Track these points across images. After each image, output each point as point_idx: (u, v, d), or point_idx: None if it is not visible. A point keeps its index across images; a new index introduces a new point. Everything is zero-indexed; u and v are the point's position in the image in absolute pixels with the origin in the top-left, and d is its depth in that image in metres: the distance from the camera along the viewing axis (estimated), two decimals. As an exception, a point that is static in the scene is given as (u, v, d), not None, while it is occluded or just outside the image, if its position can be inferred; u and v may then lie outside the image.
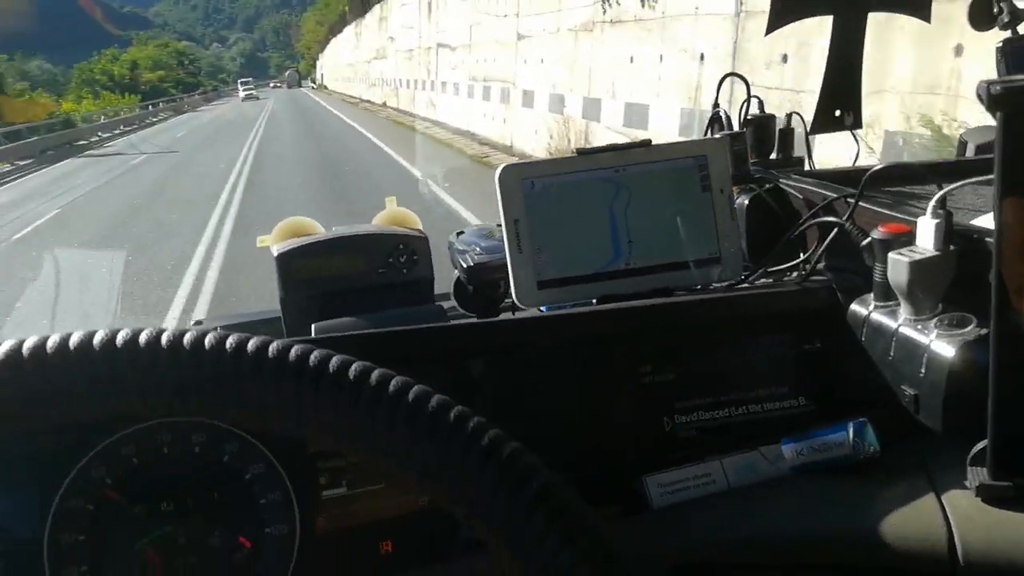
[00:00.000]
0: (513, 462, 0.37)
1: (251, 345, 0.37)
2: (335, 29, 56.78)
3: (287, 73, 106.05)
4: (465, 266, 0.95)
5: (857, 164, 1.06)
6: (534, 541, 0.36)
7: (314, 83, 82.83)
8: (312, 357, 0.37)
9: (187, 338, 0.37)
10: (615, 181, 0.84)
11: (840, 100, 1.04)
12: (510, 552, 0.36)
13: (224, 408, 0.37)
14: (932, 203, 0.68)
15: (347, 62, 48.66)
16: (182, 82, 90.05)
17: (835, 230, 0.80)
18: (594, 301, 0.84)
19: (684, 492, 0.72)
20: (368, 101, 35.89)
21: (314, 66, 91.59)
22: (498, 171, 0.83)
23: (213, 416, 0.38)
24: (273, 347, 0.37)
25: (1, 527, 0.65)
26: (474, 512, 0.37)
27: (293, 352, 0.37)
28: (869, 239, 0.74)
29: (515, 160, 0.80)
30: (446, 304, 1.00)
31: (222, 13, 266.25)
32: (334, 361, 0.37)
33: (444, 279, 1.03)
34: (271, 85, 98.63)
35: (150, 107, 50.39)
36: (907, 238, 0.70)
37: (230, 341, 0.37)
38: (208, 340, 0.37)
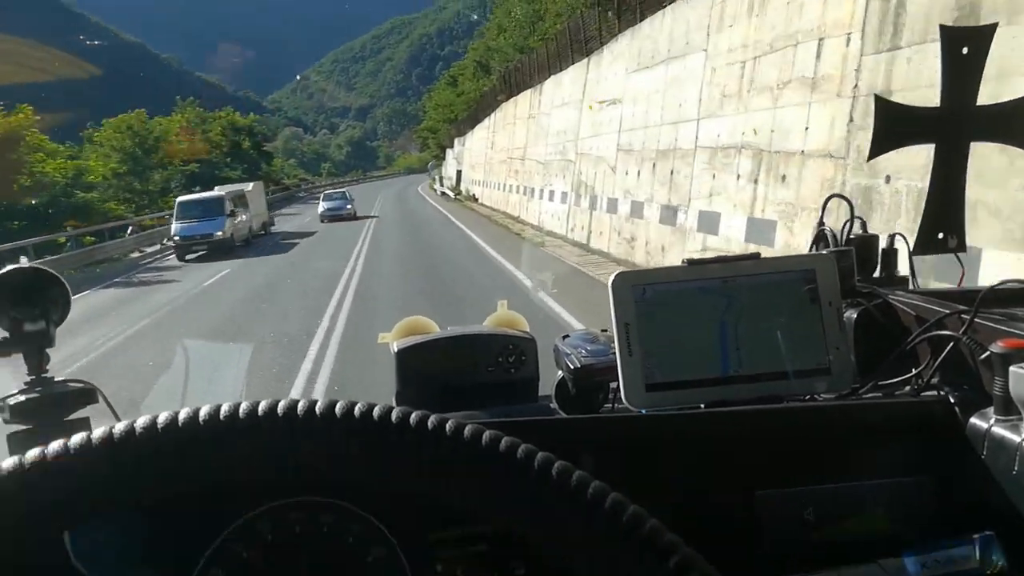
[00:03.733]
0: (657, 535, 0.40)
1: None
2: (507, 88, 28.71)
3: (429, 164, 68.61)
4: (571, 367, 0.98)
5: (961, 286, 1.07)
6: None
7: (443, 184, 47.06)
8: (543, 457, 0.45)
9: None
10: (724, 292, 0.88)
11: (943, 223, 1.06)
12: None
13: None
14: None
15: (560, 151, 19.45)
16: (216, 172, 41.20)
17: (951, 344, 0.81)
18: (702, 406, 0.86)
19: None
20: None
21: (442, 156, 57.53)
22: (611, 278, 0.88)
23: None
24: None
25: None
26: None
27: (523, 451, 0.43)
28: (987, 353, 0.75)
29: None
30: (551, 405, 1.03)
31: (337, 102, 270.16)
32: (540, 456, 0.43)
33: (545, 383, 1.06)
34: (320, 209, 32.45)
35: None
36: None
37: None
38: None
